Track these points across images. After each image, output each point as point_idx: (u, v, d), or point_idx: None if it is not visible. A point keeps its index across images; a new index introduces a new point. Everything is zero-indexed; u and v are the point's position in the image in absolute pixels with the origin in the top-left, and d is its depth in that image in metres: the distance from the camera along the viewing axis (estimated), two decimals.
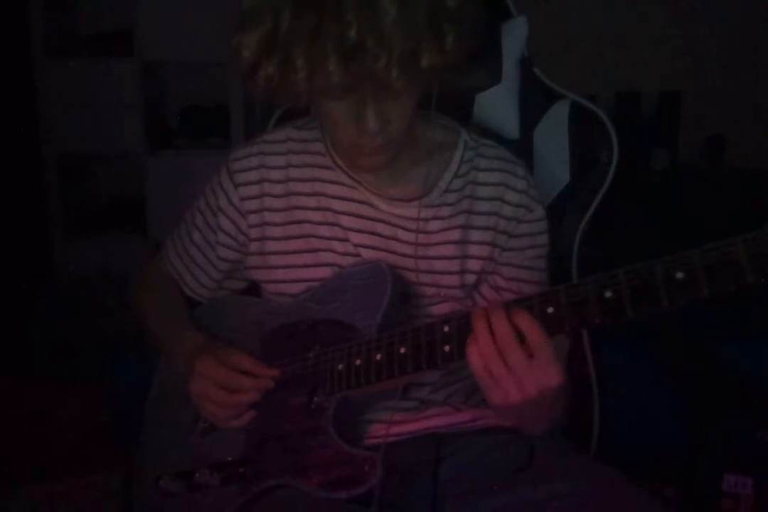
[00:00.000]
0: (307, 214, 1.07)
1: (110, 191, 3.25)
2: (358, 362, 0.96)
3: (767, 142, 2.83)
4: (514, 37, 1.24)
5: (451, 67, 0.89)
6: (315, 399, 1.00)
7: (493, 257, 1.08)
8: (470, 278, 1.08)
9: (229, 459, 1.04)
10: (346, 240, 1.06)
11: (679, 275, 0.74)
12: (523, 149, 1.20)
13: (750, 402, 1.74)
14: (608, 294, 0.78)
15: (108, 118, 2.89)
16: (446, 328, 0.88)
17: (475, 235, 1.07)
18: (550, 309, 0.82)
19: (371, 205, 1.06)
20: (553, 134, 1.26)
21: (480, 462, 1.04)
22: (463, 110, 1.24)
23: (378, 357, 0.94)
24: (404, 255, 1.06)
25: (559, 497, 0.93)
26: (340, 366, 0.97)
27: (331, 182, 1.07)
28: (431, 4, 0.85)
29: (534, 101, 1.26)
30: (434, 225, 1.06)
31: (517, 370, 0.83)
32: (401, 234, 1.06)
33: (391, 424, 1.04)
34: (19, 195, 2.83)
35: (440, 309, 1.07)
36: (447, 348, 0.88)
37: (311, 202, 1.07)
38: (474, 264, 1.08)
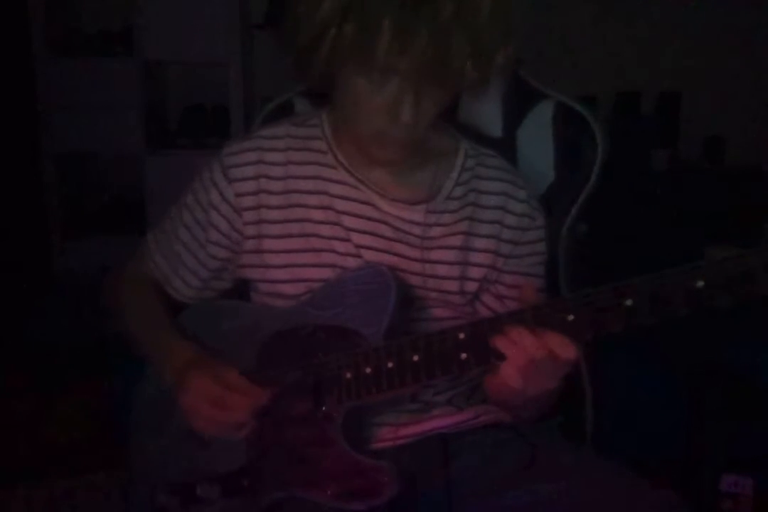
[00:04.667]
0: (308, 213, 1.05)
1: (110, 191, 3.25)
2: (367, 370, 0.93)
3: (767, 142, 2.83)
4: None
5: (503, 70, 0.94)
6: (323, 408, 0.96)
7: (496, 266, 1.08)
8: (471, 285, 1.07)
9: (231, 471, 1.00)
10: (348, 240, 1.04)
11: (700, 284, 0.76)
12: (506, 147, 1.20)
13: (749, 401, 1.74)
14: (629, 302, 0.78)
15: (108, 118, 2.89)
16: (461, 336, 0.87)
17: (478, 243, 1.07)
18: (570, 318, 0.82)
19: (374, 206, 1.05)
20: (537, 133, 1.26)
21: (485, 461, 1.04)
22: (449, 109, 1.24)
23: (389, 365, 0.92)
24: (407, 258, 1.05)
25: (567, 493, 0.93)
26: (348, 375, 0.94)
27: (334, 181, 1.06)
28: (511, 8, 0.89)
29: (517, 100, 1.26)
30: (436, 231, 1.06)
31: (548, 371, 0.85)
32: (404, 237, 1.05)
33: (398, 427, 1.03)
34: (19, 195, 2.83)
35: (440, 312, 1.07)
36: (464, 355, 0.87)
37: (312, 200, 1.05)
38: (476, 272, 1.07)
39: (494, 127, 1.25)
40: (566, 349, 0.82)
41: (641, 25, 2.89)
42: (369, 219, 1.05)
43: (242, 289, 1.15)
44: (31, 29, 2.83)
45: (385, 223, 1.05)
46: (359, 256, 1.04)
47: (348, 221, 1.05)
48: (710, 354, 1.82)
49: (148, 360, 1.11)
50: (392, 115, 0.92)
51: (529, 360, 0.83)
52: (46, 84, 2.87)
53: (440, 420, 1.07)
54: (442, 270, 1.05)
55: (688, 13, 2.88)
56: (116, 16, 2.92)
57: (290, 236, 1.06)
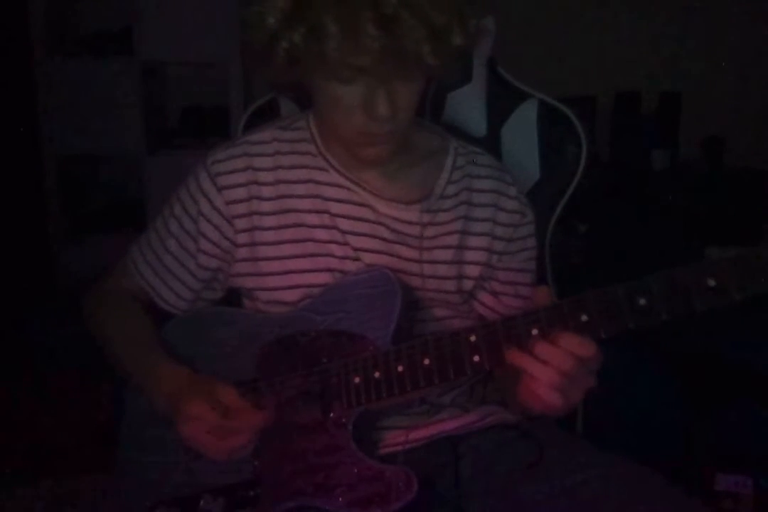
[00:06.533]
0: (303, 217, 1.03)
1: (110, 191, 3.25)
2: (377, 374, 0.92)
3: (767, 142, 2.83)
4: (482, 36, 1.24)
5: (464, 54, 0.91)
6: (331, 414, 0.95)
7: (490, 263, 1.08)
8: (468, 284, 1.07)
9: (235, 482, 0.97)
10: (346, 243, 1.03)
11: (711, 283, 0.76)
12: (490, 146, 1.21)
13: (749, 398, 1.74)
14: (642, 301, 0.79)
15: (108, 118, 2.89)
16: (473, 338, 0.87)
17: (473, 241, 1.07)
18: (584, 318, 0.81)
19: (370, 207, 1.04)
20: (521, 132, 1.26)
21: (493, 461, 1.03)
22: (435, 109, 1.24)
23: (399, 368, 0.90)
24: (406, 259, 1.04)
25: (577, 487, 0.93)
26: (357, 380, 0.93)
27: (326, 184, 1.04)
28: None
29: (501, 100, 1.27)
30: (432, 230, 1.05)
31: (580, 377, 0.83)
32: (402, 238, 1.04)
33: (408, 431, 1.01)
34: (19, 195, 2.83)
35: (438, 312, 1.07)
36: (476, 358, 0.86)
37: (306, 204, 1.04)
38: (471, 270, 1.07)
39: (478, 127, 1.26)
40: (586, 348, 0.81)
41: (642, 25, 2.89)
42: (366, 221, 1.04)
43: (232, 297, 1.12)
44: (31, 30, 2.83)
45: (383, 224, 1.04)
46: (358, 259, 1.03)
47: (344, 224, 1.03)
48: (708, 348, 1.82)
49: (132, 381, 1.07)
50: (368, 111, 0.91)
51: (561, 375, 0.81)
52: (46, 84, 2.87)
53: (448, 423, 1.06)
54: (440, 270, 1.05)
55: (688, 13, 2.88)
56: (115, 16, 2.92)
57: (285, 242, 1.04)
